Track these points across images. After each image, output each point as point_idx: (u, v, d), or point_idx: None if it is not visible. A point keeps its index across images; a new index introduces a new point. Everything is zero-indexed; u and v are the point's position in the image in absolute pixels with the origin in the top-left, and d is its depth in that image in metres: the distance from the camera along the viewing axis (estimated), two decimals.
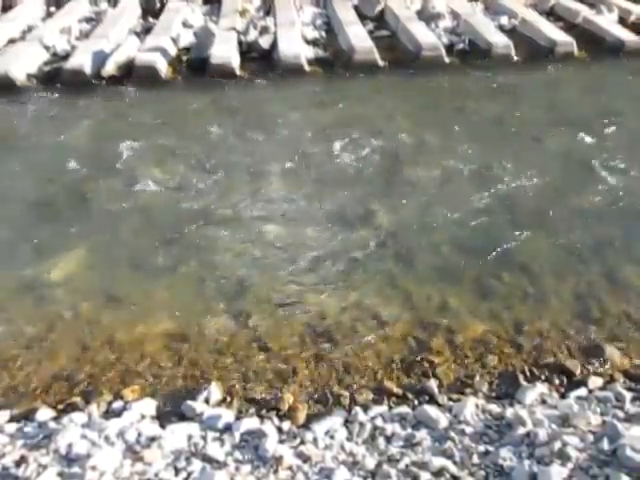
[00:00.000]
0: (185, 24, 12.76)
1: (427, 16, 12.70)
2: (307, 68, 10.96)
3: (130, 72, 10.57)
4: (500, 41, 11.51)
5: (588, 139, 8.43)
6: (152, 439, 3.84)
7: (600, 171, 7.59)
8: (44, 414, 4.19)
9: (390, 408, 4.28)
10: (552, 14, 13.63)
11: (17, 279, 5.77)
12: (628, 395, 4.24)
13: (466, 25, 12.29)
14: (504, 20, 12.87)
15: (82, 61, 10.52)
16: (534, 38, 12.06)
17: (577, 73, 10.95)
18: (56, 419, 4.12)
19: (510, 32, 12.38)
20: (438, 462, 3.58)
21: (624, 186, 7.24)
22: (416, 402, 4.36)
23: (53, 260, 6.01)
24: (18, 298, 5.54)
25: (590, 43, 11.92)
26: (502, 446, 3.73)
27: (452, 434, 3.87)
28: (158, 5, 13.72)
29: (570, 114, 9.22)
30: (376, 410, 4.21)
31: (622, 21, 12.83)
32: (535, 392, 4.34)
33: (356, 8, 13.45)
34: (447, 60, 11.32)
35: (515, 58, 11.39)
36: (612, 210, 6.78)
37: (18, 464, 3.60)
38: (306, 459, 3.69)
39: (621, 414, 4.01)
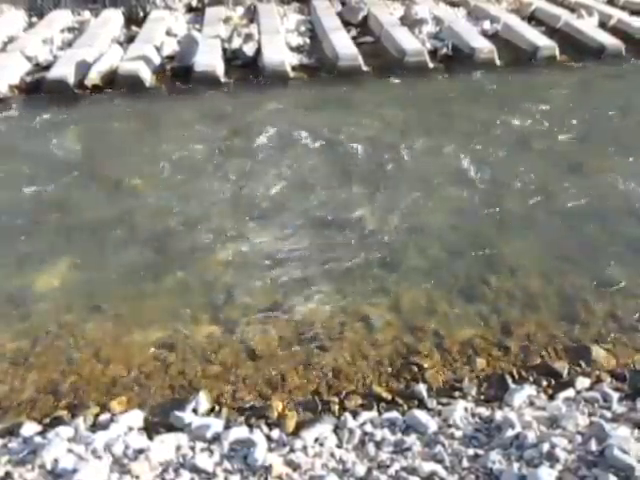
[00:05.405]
0: (169, 33, 12.72)
1: (410, 22, 12.79)
2: (292, 75, 10.98)
3: (113, 81, 10.52)
4: (483, 46, 11.61)
5: (572, 141, 8.53)
6: (140, 451, 3.80)
7: (586, 173, 7.68)
8: (29, 429, 4.12)
9: (379, 413, 4.27)
10: (533, 19, 13.79)
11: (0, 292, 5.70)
12: (615, 395, 4.27)
13: (449, 30, 12.38)
14: (487, 25, 13.00)
15: (65, 71, 10.43)
16: (517, 43, 12.19)
17: (559, 77, 11.06)
18: (41, 434, 4.05)
19: (493, 37, 12.50)
20: (428, 467, 3.58)
21: (610, 187, 7.31)
22: (405, 407, 4.35)
23: (37, 272, 5.94)
24: (1, 311, 5.46)
25: (572, 47, 12.08)
26: (491, 449, 3.74)
27: (442, 438, 3.87)
28: (141, 14, 13.69)
29: (553, 116, 9.31)
30: (365, 416, 4.20)
31: (603, 25, 13.02)
32: (523, 394, 4.36)
33: (340, 15, 13.52)
34: (431, 65, 11.40)
35: (498, 62, 11.49)
36: (598, 212, 6.84)
37: None
38: (296, 467, 3.66)
39: (608, 414, 4.04)
